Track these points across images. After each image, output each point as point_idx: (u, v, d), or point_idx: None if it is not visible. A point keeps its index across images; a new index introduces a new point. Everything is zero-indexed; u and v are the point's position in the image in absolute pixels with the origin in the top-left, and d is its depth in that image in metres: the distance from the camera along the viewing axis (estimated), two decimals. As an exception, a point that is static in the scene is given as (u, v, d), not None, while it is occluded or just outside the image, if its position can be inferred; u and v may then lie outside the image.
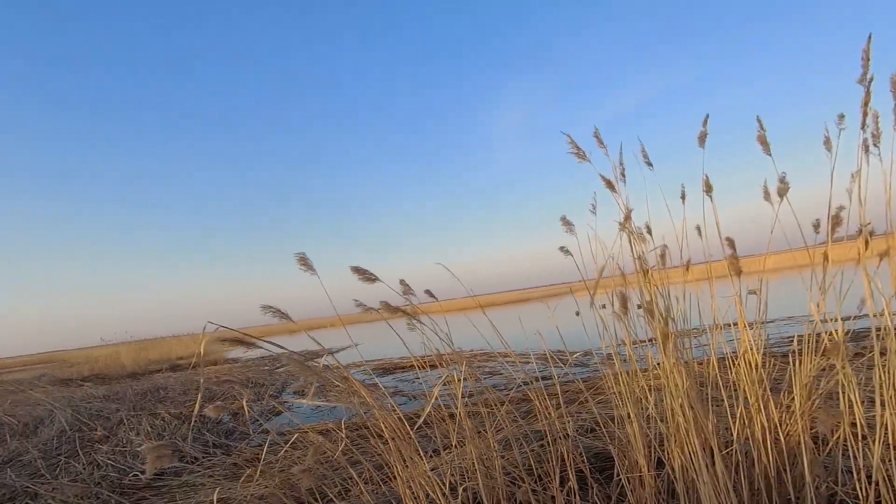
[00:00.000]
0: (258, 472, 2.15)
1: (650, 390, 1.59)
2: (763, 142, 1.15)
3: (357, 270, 1.24)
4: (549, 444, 1.58)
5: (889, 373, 1.24)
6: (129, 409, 5.41)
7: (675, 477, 1.47)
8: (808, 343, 1.36)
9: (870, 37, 1.04)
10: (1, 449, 4.13)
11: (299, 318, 1.30)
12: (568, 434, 1.60)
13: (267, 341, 1.09)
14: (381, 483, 1.76)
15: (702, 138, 1.22)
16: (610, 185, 1.29)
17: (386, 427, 1.22)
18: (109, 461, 3.40)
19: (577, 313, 1.61)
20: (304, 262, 1.18)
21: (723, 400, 1.54)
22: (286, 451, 1.95)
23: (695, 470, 1.39)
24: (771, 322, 5.67)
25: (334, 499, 1.57)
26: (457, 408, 1.56)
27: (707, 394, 1.58)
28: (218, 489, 1.49)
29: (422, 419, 1.09)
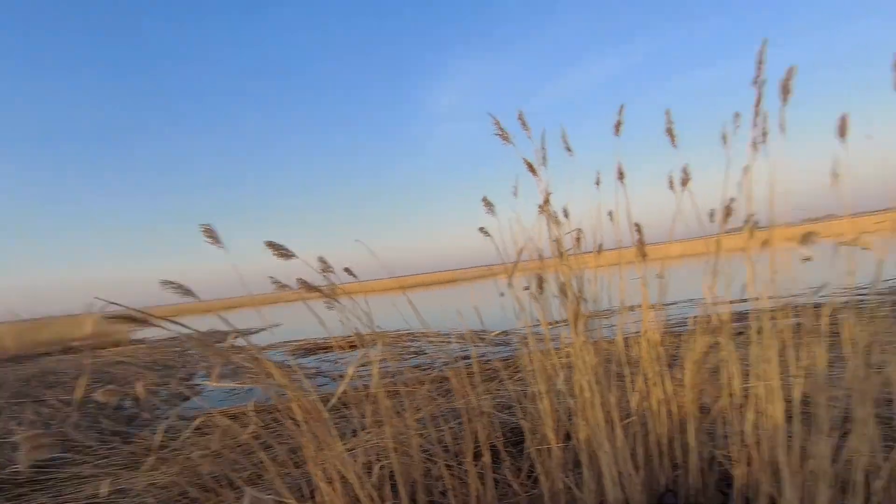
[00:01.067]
0: (158, 460, 2.01)
1: (563, 368, 1.67)
2: (670, 134, 1.23)
3: (272, 245, 1.18)
4: (467, 422, 1.62)
5: (763, 349, 1.39)
6: (11, 396, 4.85)
7: (579, 447, 1.56)
8: (699, 323, 1.49)
9: (764, 41, 1.13)
10: None
11: (215, 297, 1.21)
12: (484, 411, 1.65)
13: (166, 319, 1.00)
14: (293, 466, 1.71)
15: (617, 127, 1.27)
16: (531, 168, 1.32)
17: (299, 408, 1.17)
18: (-16, 454, 3.02)
19: (502, 294, 1.65)
20: (210, 233, 1.09)
21: (626, 376, 1.65)
22: (191, 436, 1.83)
23: (596, 441, 1.49)
24: (673, 304, 6.18)
25: (241, 484, 1.50)
26: (374, 389, 1.55)
27: (612, 370, 1.69)
28: (110, 479, 1.37)
29: (333, 400, 1.06)
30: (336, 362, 5.48)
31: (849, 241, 1.22)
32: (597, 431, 1.45)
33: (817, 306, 1.34)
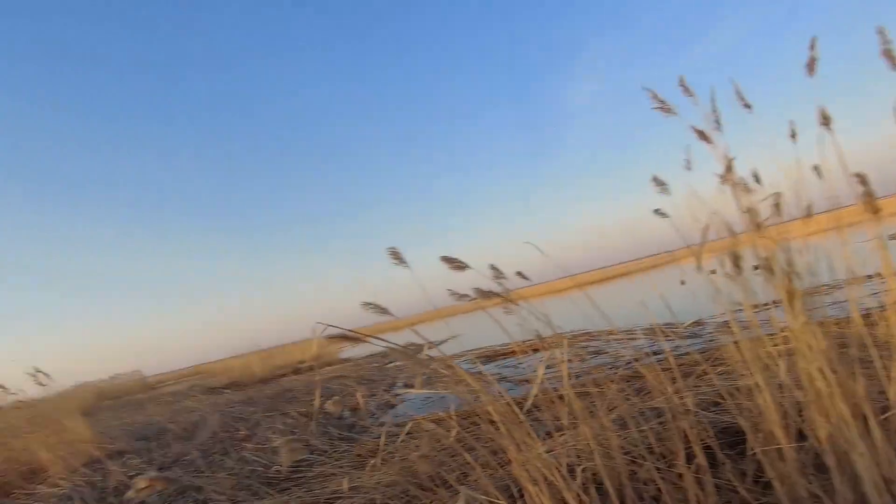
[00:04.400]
0: (380, 461, 2.29)
1: (781, 356, 1.44)
2: (889, 56, 0.98)
3: (447, 260, 1.27)
4: (669, 421, 1.50)
5: None
6: (264, 411, 6.02)
7: (822, 449, 1.32)
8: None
9: None
10: (168, 451, 4.80)
11: (400, 314, 1.35)
12: (689, 409, 1.51)
13: (374, 337, 1.15)
14: (497, 467, 1.78)
15: (810, 65, 1.06)
16: (703, 135, 1.18)
17: (495, 412, 1.23)
18: (254, 457, 3.81)
19: (683, 282, 1.50)
20: (396, 255, 1.22)
21: (872, 360, 1.35)
22: (403, 440, 2.06)
23: (846, 440, 1.24)
24: None
25: (454, 484, 1.62)
26: (564, 390, 1.53)
27: (852, 355, 1.40)
28: (347, 478, 1.62)
29: (529, 402, 1.08)
30: (517, 367, 5.57)
31: None
32: (843, 429, 1.21)
33: None
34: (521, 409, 1.41)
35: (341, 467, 2.95)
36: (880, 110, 1.12)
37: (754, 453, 1.53)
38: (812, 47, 1.07)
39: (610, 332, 5.90)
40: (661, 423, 1.81)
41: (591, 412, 1.75)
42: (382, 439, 1.49)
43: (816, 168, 1.18)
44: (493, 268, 1.36)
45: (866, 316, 1.36)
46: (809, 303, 1.32)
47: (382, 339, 1.13)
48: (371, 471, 2.48)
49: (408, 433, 2.25)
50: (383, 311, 1.20)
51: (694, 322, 4.73)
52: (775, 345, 1.42)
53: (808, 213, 1.22)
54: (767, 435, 1.44)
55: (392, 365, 9.10)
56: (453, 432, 1.56)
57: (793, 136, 1.18)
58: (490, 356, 6.73)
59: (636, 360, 2.99)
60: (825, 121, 1.10)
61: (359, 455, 3.12)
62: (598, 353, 5.12)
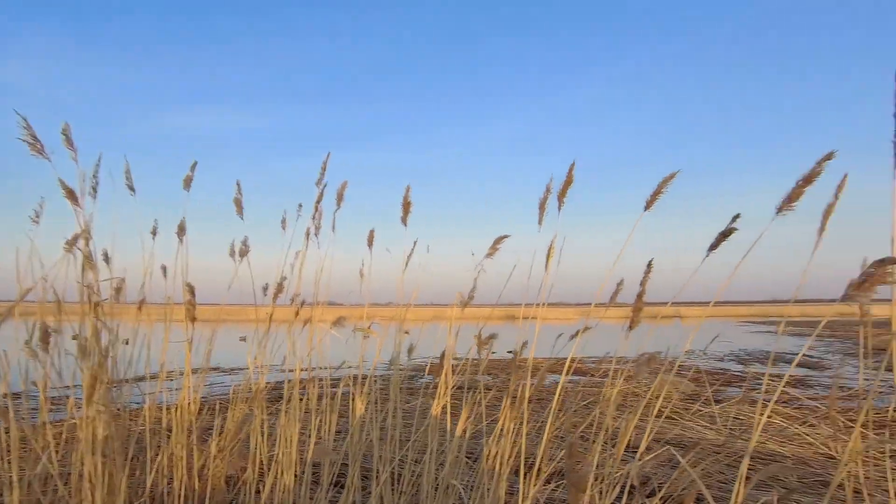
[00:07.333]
0: None
1: (62, 443, 1.34)
2: (238, 204, 1.28)
3: None
4: None
5: (288, 419, 1.53)
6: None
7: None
8: (239, 392, 1.53)
9: (328, 154, 1.38)
10: None
11: None
12: None
13: None
14: None
15: (187, 182, 1.23)
16: (72, 194, 1.08)
17: None
18: None
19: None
20: None
21: (153, 448, 1.48)
22: None
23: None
24: (215, 370, 5.91)
25: None
26: None
27: (134, 444, 1.48)
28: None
29: None
30: None
31: (362, 327, 1.54)
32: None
33: (336, 380, 1.60)
34: None
35: None
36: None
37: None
38: (192, 168, 1.26)
39: None
40: None
41: None
42: None
43: (163, 267, 1.31)
44: None
45: (161, 408, 1.50)
46: (115, 391, 1.34)
47: None
48: None
49: None
50: None
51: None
52: (60, 432, 1.31)
53: (140, 305, 1.29)
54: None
55: None
56: None
57: (153, 232, 1.27)
58: None
59: None
60: (181, 231, 1.26)
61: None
62: None
